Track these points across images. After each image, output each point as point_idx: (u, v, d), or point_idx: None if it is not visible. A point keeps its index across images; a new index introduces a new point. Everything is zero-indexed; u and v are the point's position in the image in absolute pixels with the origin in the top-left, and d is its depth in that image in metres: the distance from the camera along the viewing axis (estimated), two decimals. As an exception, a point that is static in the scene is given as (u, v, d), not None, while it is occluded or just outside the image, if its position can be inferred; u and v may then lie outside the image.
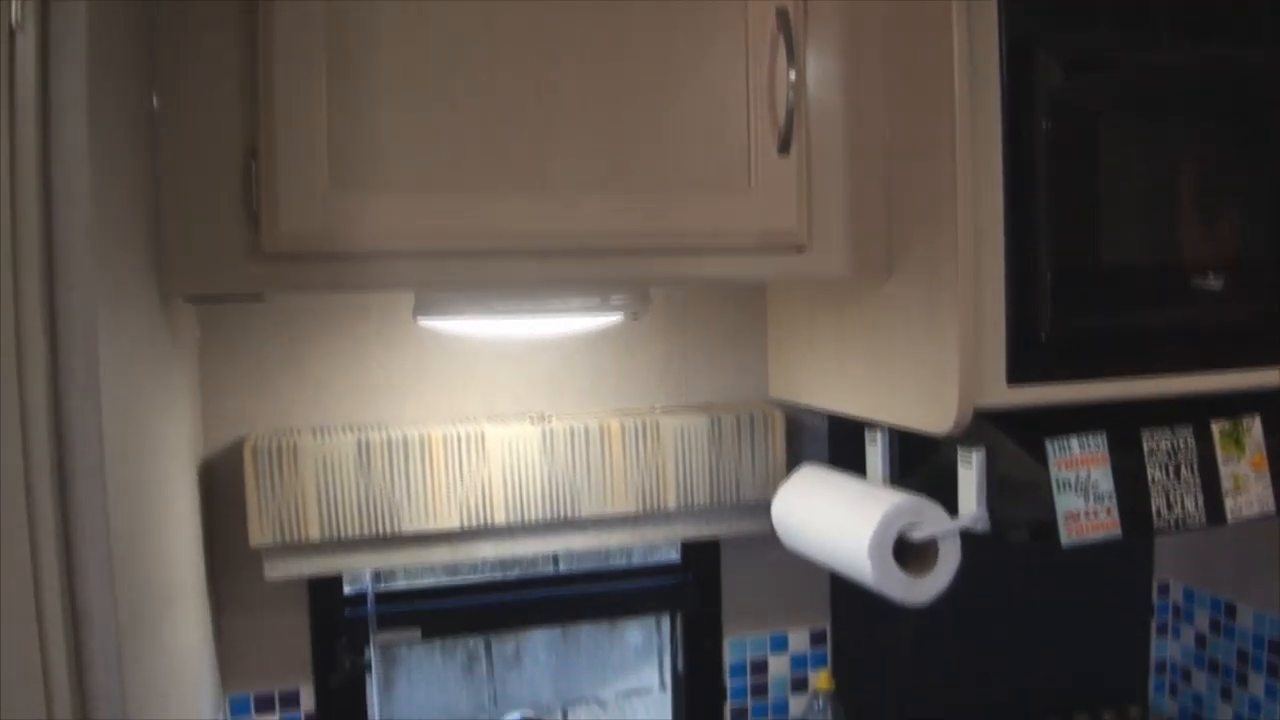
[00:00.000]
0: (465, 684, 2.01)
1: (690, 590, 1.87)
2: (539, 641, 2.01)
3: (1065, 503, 1.40)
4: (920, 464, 1.60)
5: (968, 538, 1.50)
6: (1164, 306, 1.52)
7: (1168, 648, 2.20)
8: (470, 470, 1.62)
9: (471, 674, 2.01)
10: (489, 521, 1.64)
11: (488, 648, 2.00)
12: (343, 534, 1.58)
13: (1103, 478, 1.43)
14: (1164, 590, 2.19)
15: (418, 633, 1.74)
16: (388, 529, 1.59)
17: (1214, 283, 1.53)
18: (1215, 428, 1.53)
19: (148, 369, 1.14)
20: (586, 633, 2.02)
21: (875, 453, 1.66)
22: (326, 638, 1.69)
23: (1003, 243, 1.40)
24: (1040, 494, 1.40)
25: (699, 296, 1.80)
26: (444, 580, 1.82)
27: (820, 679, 1.81)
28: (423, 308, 1.46)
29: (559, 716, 2.03)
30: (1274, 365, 1.61)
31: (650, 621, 2.01)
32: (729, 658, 1.88)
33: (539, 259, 1.31)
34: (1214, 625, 2.10)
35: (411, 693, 1.95)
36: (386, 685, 1.93)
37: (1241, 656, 2.05)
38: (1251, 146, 1.54)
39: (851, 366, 1.59)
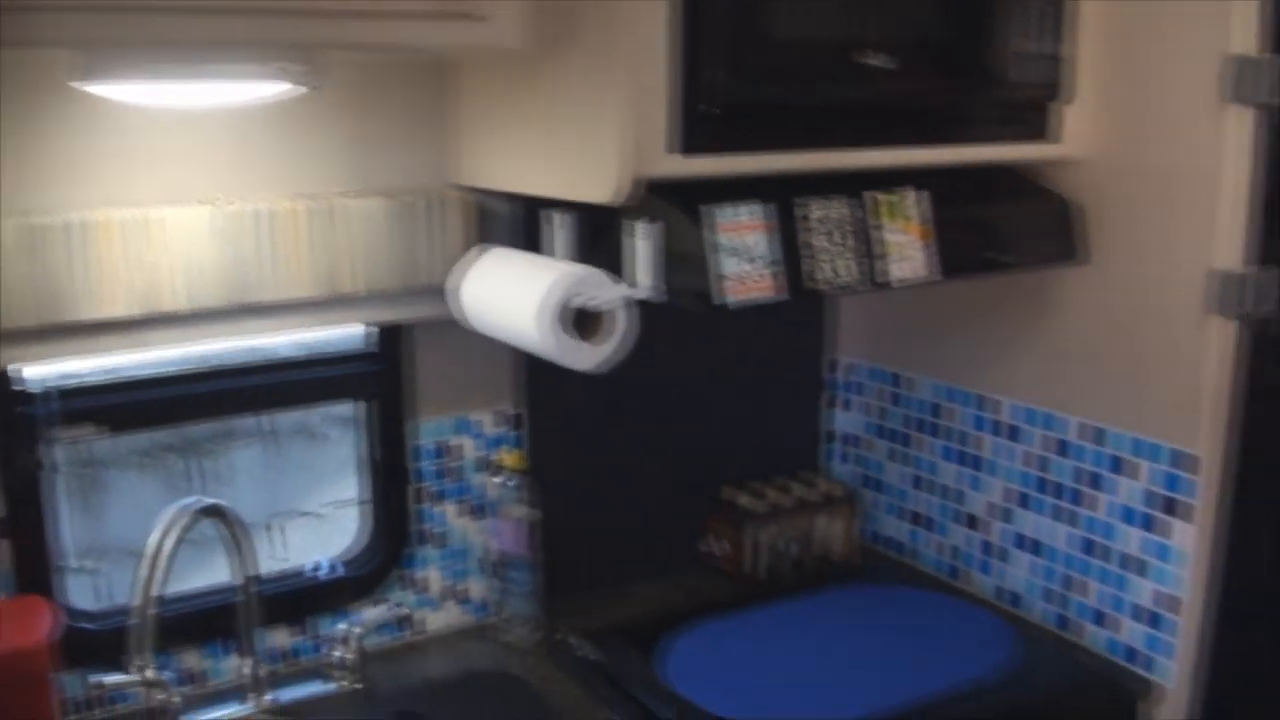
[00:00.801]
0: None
1: (381, 376, 1.86)
2: (247, 458, 1.96)
3: (724, 266, 1.44)
4: (600, 243, 1.61)
5: (650, 310, 1.54)
6: (836, 82, 1.57)
7: (844, 419, 2.35)
8: (143, 256, 1.55)
9: (179, 494, 1.95)
10: (165, 309, 1.58)
11: (197, 466, 1.95)
12: (9, 324, 1.49)
13: (761, 243, 1.48)
14: (848, 369, 2.32)
15: (97, 428, 1.68)
16: (57, 318, 1.51)
17: (887, 62, 1.57)
18: (879, 198, 1.60)
19: None
20: (295, 447, 1.98)
21: (555, 232, 1.67)
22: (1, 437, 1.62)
23: (673, 13, 1.41)
24: (702, 260, 1.44)
25: (383, 74, 1.74)
26: (128, 373, 1.74)
27: (512, 458, 1.85)
28: (80, 70, 1.36)
29: (263, 530, 2.00)
30: (941, 143, 1.69)
31: (357, 430, 1.98)
32: (422, 441, 1.89)
33: (196, 16, 1.24)
34: (885, 395, 2.26)
35: (122, 515, 1.88)
36: (89, 509, 1.86)
37: (910, 422, 2.21)
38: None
39: (531, 145, 1.59)
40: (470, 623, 1.99)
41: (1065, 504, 1.93)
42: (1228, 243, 1.69)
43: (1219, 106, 1.66)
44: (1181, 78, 1.70)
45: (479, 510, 1.96)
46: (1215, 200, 1.68)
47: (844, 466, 2.37)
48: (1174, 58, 1.71)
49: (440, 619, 1.97)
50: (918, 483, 2.22)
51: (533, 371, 1.94)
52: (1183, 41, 1.69)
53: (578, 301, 1.50)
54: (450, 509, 1.94)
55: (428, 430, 1.90)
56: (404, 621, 1.93)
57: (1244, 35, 1.63)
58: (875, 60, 1.56)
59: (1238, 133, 1.66)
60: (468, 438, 1.93)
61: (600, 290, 1.49)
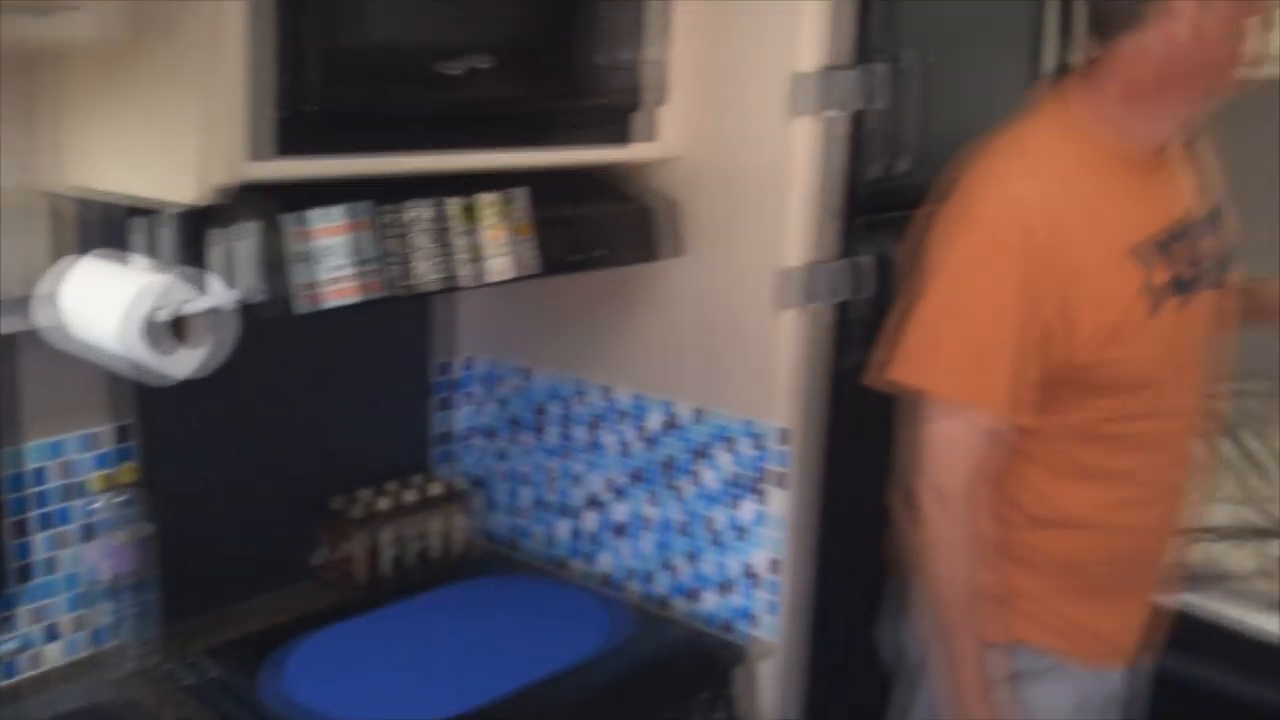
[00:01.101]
0: None
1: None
2: None
3: (313, 270, 1.47)
4: (198, 247, 1.59)
5: (259, 316, 1.53)
6: (426, 88, 1.61)
7: (459, 418, 2.39)
8: None
9: None
10: None
11: None
12: None
13: (349, 245, 1.51)
14: (465, 366, 2.37)
15: None
16: None
17: (478, 65, 1.63)
18: (473, 199, 1.66)
19: None
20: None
21: (152, 237, 1.62)
22: None
23: (263, 16, 1.41)
24: (284, 266, 1.46)
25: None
26: None
27: (120, 474, 1.78)
28: None
29: None
30: (533, 147, 1.77)
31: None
32: (23, 467, 1.79)
33: None
34: (500, 391, 2.33)
35: None
36: None
37: (523, 417, 2.29)
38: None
39: (125, 146, 1.55)
40: (88, 653, 1.90)
41: (669, 485, 2.06)
42: (796, 241, 1.85)
43: (788, 117, 1.81)
44: (757, 88, 1.85)
45: (88, 532, 1.88)
46: (785, 202, 1.84)
47: (458, 465, 2.41)
48: (750, 70, 1.86)
49: (55, 652, 1.87)
50: (529, 476, 2.29)
51: (140, 383, 1.88)
52: (757, 56, 1.85)
53: (164, 314, 1.48)
54: (58, 535, 1.84)
55: (29, 454, 1.80)
56: (13, 659, 1.83)
57: (810, 52, 1.79)
58: (465, 67, 1.62)
59: (805, 142, 1.83)
60: (73, 456, 1.84)
61: (190, 297, 1.48)
